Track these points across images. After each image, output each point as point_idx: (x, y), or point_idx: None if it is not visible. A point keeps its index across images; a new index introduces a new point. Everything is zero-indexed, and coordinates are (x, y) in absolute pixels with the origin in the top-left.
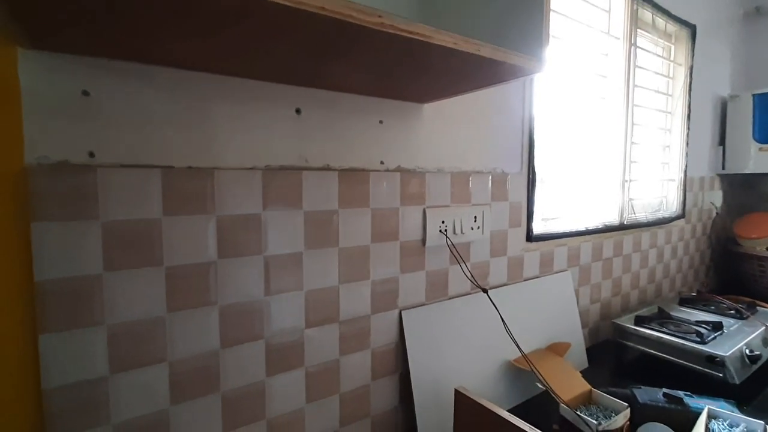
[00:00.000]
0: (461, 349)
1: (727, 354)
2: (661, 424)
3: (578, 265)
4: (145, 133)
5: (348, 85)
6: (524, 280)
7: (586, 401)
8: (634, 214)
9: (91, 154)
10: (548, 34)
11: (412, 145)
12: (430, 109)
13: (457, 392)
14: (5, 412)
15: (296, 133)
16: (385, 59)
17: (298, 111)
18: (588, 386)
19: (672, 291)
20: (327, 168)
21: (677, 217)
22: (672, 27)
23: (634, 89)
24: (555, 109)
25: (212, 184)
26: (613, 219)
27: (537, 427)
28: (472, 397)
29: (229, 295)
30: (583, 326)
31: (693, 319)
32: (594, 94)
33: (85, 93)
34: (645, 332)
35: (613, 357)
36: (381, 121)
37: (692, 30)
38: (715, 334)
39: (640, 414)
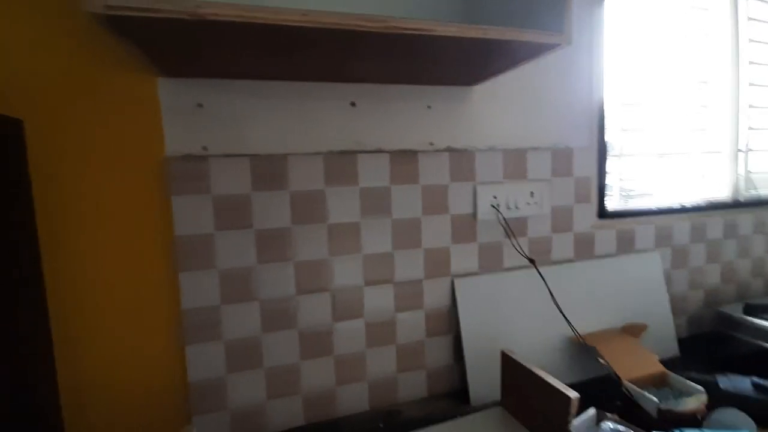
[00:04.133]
0: (517, 319)
1: None
2: (738, 410)
3: (670, 246)
4: (239, 130)
5: (392, 77)
6: (596, 258)
7: (657, 383)
8: (756, 190)
9: (205, 148)
10: (568, 15)
11: (461, 125)
12: (479, 90)
13: (503, 354)
14: (160, 323)
15: (352, 122)
16: (405, 53)
17: (353, 104)
18: (661, 368)
19: None
20: (379, 150)
21: None
22: None
23: (746, 43)
24: (637, 68)
25: (286, 167)
26: (721, 195)
27: (598, 404)
28: (515, 358)
29: (301, 253)
30: (679, 313)
31: None
32: (689, 53)
33: (200, 105)
34: (754, 322)
35: (715, 348)
36: (429, 106)
37: None
38: None
39: (721, 401)
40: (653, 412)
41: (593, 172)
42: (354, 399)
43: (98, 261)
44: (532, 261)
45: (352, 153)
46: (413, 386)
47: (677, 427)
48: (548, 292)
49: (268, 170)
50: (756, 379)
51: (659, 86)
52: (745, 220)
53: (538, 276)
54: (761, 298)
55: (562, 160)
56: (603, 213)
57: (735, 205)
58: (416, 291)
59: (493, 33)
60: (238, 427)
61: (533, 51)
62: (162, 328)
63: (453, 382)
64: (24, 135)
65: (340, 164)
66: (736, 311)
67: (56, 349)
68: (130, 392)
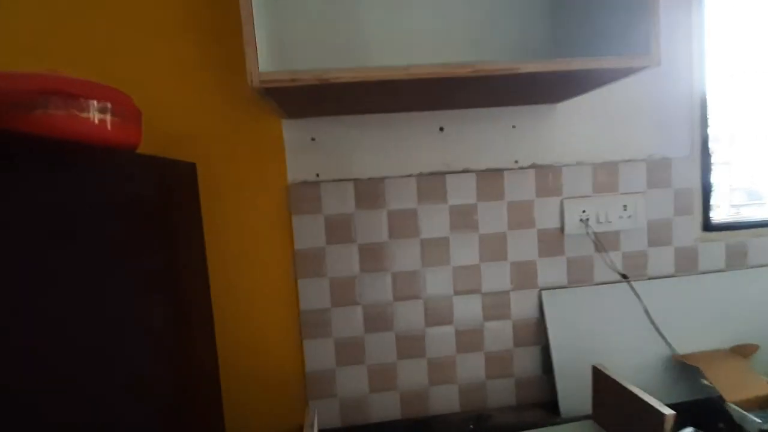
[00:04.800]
0: (610, 334)
1: None
2: None
3: None
4: (344, 158)
5: (478, 102)
6: (701, 273)
7: (766, 406)
8: None
9: (317, 175)
10: (656, 35)
11: (546, 142)
12: (564, 107)
13: (594, 369)
14: (285, 321)
15: (440, 145)
16: (494, 88)
17: (441, 129)
18: None
19: None
20: (466, 170)
21: None
22: None
23: None
24: (748, 64)
25: (383, 188)
26: None
27: (699, 426)
28: (608, 374)
29: (396, 265)
30: None
31: None
32: None
33: (313, 139)
34: None
35: None
36: (513, 126)
37: None
38: None
39: None
40: None
41: (696, 183)
42: (445, 400)
43: (243, 267)
44: (624, 276)
45: (441, 174)
46: (502, 393)
47: None
48: (643, 308)
49: (368, 192)
50: None
51: None
52: None
53: (633, 291)
54: None
55: (659, 171)
56: (708, 225)
57: None
58: (503, 302)
59: (576, 64)
60: (346, 413)
61: (620, 74)
62: (286, 325)
63: (542, 393)
64: (197, 174)
65: (431, 184)
66: None
67: (216, 332)
68: (264, 374)
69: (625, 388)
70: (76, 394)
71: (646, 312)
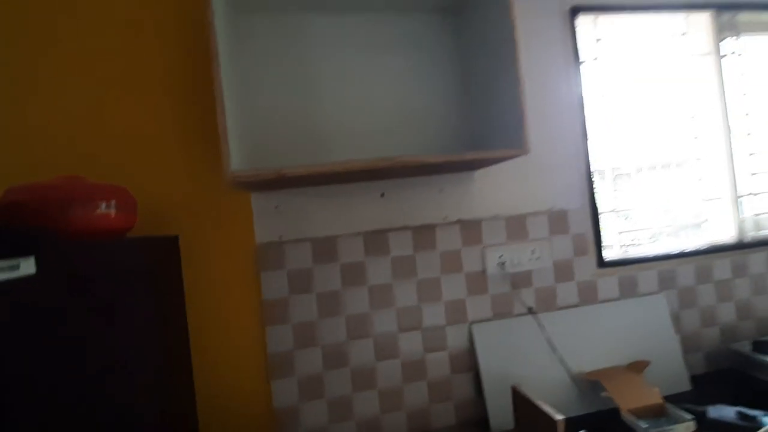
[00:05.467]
0: (529, 358)
1: None
2: None
3: (676, 288)
4: (303, 221)
5: (411, 174)
6: (600, 302)
7: (656, 413)
8: (758, 230)
9: (281, 237)
10: (526, 134)
11: (468, 202)
12: (480, 173)
13: (513, 389)
14: (255, 364)
15: (382, 208)
16: (414, 170)
17: (382, 194)
18: (659, 399)
19: None
20: (404, 227)
21: None
22: None
23: (730, 100)
24: (632, 136)
25: (336, 245)
26: (725, 238)
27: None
28: (522, 392)
29: (349, 309)
30: (694, 351)
31: None
32: (680, 114)
33: (276, 207)
34: (763, 359)
35: (728, 383)
36: (441, 190)
37: None
38: None
39: (709, 429)
40: None
41: (588, 229)
42: (395, 425)
43: (218, 317)
44: (530, 309)
45: (384, 231)
46: (443, 415)
47: None
48: (549, 335)
49: (324, 249)
50: (742, 409)
51: (652, 144)
52: (756, 260)
53: (544, 319)
54: None
55: (558, 220)
56: (602, 262)
57: (741, 246)
58: (440, 335)
59: (469, 155)
60: None
61: (504, 159)
62: (255, 367)
63: (476, 413)
64: (179, 245)
65: (376, 240)
66: (746, 348)
67: (195, 374)
68: (237, 411)
69: (532, 403)
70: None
71: (548, 340)
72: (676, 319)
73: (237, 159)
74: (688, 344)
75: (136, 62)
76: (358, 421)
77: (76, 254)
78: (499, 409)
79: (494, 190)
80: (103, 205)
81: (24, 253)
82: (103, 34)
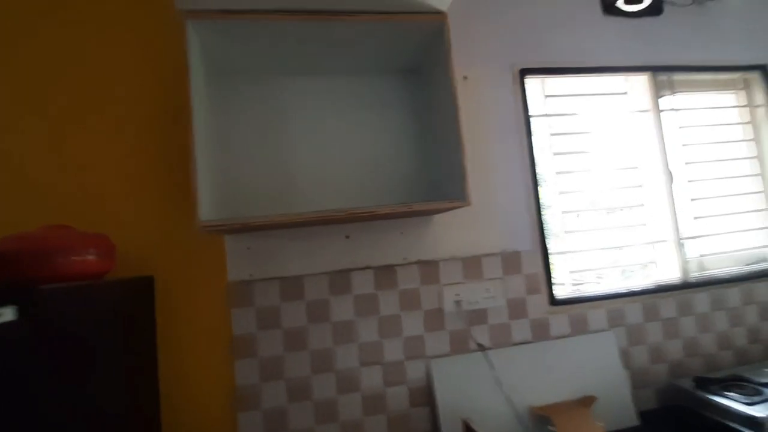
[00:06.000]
0: (483, 393)
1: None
2: None
3: (624, 326)
4: (272, 261)
5: (372, 219)
6: (553, 339)
7: None
8: (703, 271)
9: (251, 275)
10: (467, 188)
11: (427, 243)
12: (439, 217)
13: (463, 422)
14: (222, 396)
15: (347, 249)
16: (368, 218)
17: (347, 236)
18: None
19: None
20: (367, 267)
21: None
22: (732, 75)
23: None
24: (581, 184)
25: (303, 284)
26: (670, 278)
27: None
28: (472, 426)
29: (313, 344)
30: (643, 386)
31: None
32: (620, 164)
33: (248, 248)
34: (703, 395)
35: (675, 419)
36: (401, 233)
37: (763, 70)
38: None
39: None
40: None
41: (540, 269)
42: None
43: (190, 351)
44: (480, 346)
45: (348, 271)
46: None
47: None
48: (496, 373)
49: (291, 287)
50: None
51: (600, 192)
52: (701, 299)
53: (498, 355)
54: (731, 369)
55: (511, 261)
56: (554, 301)
57: (686, 286)
58: (400, 370)
59: (417, 207)
60: None
61: (448, 209)
62: (222, 398)
63: None
64: (154, 285)
65: (340, 279)
66: (688, 384)
67: (162, 406)
68: None
69: None
70: None
71: (496, 378)
72: (625, 355)
73: (208, 208)
74: (638, 380)
75: (116, 111)
76: None
77: (55, 298)
78: None
79: (451, 233)
80: (83, 253)
81: (5, 302)
82: (88, 83)
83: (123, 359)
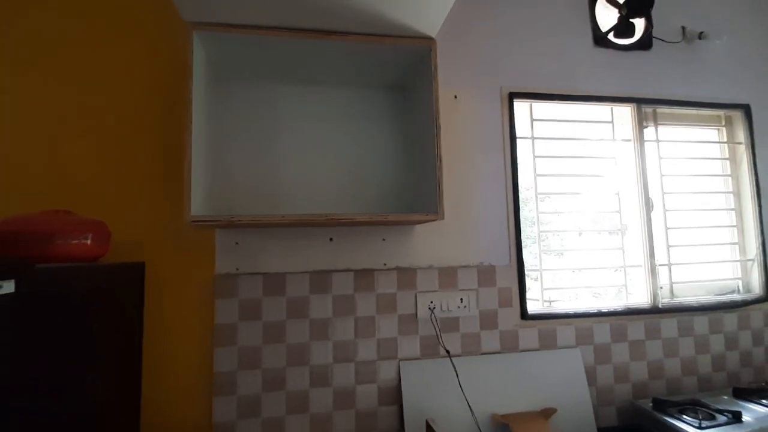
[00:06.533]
0: (449, 397)
1: None
2: None
3: (592, 344)
4: (258, 257)
5: (354, 225)
6: (521, 351)
7: None
8: (674, 298)
9: (237, 269)
10: (441, 203)
11: (407, 251)
12: (420, 227)
13: (426, 423)
14: (200, 382)
15: (329, 251)
16: (347, 225)
17: (331, 239)
18: None
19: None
20: (348, 269)
21: (758, 300)
22: (715, 111)
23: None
24: (560, 207)
25: (285, 281)
26: (641, 303)
27: None
28: (434, 427)
29: (290, 338)
30: (606, 404)
31: (726, 408)
32: (602, 189)
33: (237, 243)
34: (659, 416)
35: None
36: (384, 239)
37: (746, 109)
38: (722, 423)
39: None
40: None
41: (514, 283)
42: None
43: (173, 337)
44: (447, 352)
45: (329, 272)
46: None
47: None
48: (460, 379)
49: (273, 283)
50: None
51: (578, 211)
52: (669, 324)
53: (467, 362)
54: (692, 394)
55: (486, 274)
56: (525, 315)
57: (656, 311)
58: (371, 369)
59: (391, 218)
60: None
61: (422, 222)
62: (200, 383)
63: None
64: (144, 271)
65: (320, 279)
66: (647, 405)
67: (143, 399)
68: (178, 425)
69: None
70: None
71: (460, 384)
72: (591, 372)
73: (199, 204)
74: (602, 398)
75: (119, 106)
76: None
77: (52, 277)
78: None
79: (431, 243)
80: (81, 237)
81: (6, 277)
82: (92, 76)
83: (111, 337)
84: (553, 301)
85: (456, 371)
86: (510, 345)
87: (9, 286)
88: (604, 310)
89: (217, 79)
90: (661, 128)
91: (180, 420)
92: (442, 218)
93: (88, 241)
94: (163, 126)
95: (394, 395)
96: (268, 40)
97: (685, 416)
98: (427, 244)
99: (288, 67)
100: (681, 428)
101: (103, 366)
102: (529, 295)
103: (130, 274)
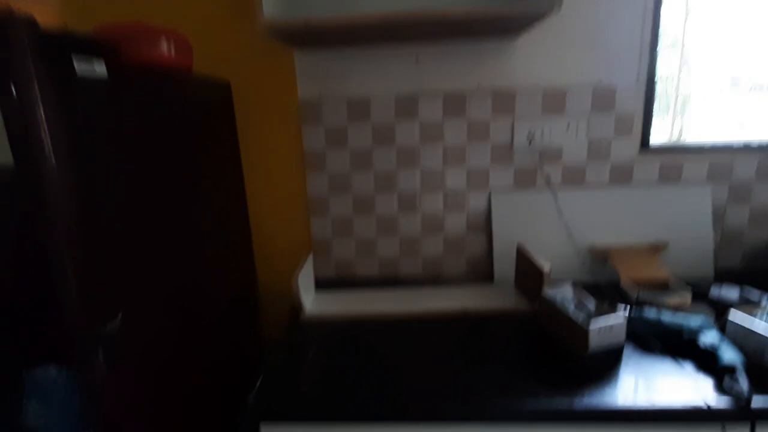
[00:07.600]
0: (543, 229)
1: None
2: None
3: (728, 183)
4: (340, 82)
5: (445, 35)
6: (634, 187)
7: (662, 287)
8: None
9: (320, 95)
10: None
11: (506, 70)
12: (523, 40)
13: (518, 247)
14: (298, 204)
15: (416, 72)
16: (442, 28)
17: (416, 59)
18: (664, 274)
19: None
20: (435, 93)
21: None
22: None
23: None
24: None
25: (369, 106)
26: None
27: (604, 301)
28: (525, 250)
29: (378, 166)
30: (731, 247)
31: None
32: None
33: (317, 66)
34: None
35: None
36: (478, 56)
37: None
38: None
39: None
40: (633, 301)
41: (639, 108)
42: (412, 268)
43: (267, 162)
44: (548, 179)
45: (415, 96)
46: (454, 266)
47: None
48: (560, 204)
49: (358, 108)
50: (746, 288)
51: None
52: None
53: (569, 196)
54: None
55: (603, 96)
56: (646, 146)
57: None
58: (460, 198)
59: (491, 12)
60: (339, 270)
61: (532, 19)
62: (298, 207)
63: (484, 268)
64: (231, 91)
65: (406, 104)
66: None
67: (251, 220)
68: (282, 240)
69: (529, 258)
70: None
71: (559, 211)
72: (720, 213)
73: (272, 9)
74: (728, 240)
75: None
76: (380, 259)
77: (143, 73)
78: (505, 266)
79: (534, 59)
80: (164, 45)
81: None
82: None
83: (217, 154)
84: (684, 132)
85: (555, 198)
86: (622, 178)
87: (101, 68)
88: (754, 143)
89: None
90: None
91: (283, 240)
92: (558, 11)
93: (172, 51)
94: None
95: (483, 224)
96: None
97: None
98: (531, 61)
99: None
100: None
101: (219, 180)
102: (654, 123)
103: (219, 91)
